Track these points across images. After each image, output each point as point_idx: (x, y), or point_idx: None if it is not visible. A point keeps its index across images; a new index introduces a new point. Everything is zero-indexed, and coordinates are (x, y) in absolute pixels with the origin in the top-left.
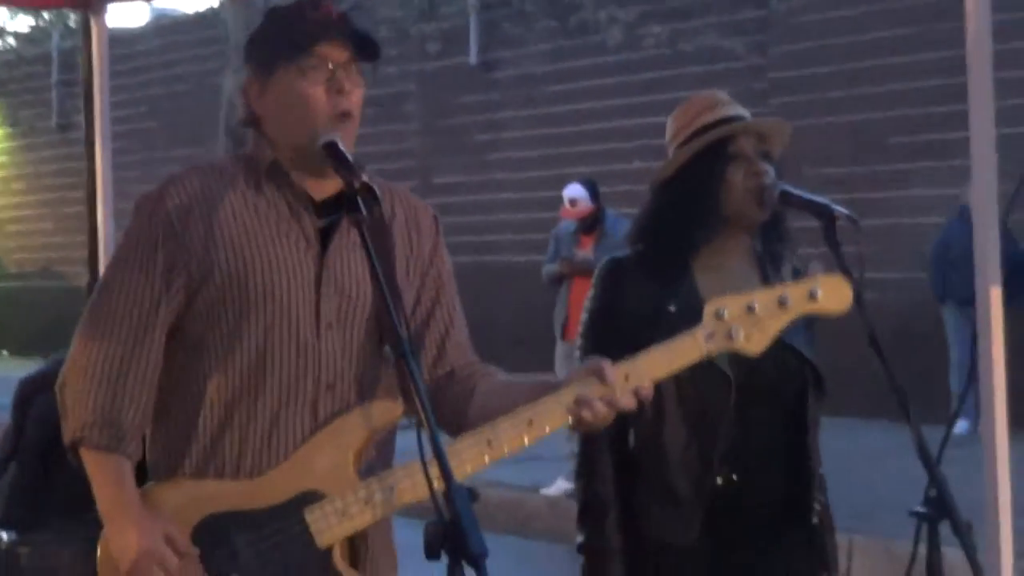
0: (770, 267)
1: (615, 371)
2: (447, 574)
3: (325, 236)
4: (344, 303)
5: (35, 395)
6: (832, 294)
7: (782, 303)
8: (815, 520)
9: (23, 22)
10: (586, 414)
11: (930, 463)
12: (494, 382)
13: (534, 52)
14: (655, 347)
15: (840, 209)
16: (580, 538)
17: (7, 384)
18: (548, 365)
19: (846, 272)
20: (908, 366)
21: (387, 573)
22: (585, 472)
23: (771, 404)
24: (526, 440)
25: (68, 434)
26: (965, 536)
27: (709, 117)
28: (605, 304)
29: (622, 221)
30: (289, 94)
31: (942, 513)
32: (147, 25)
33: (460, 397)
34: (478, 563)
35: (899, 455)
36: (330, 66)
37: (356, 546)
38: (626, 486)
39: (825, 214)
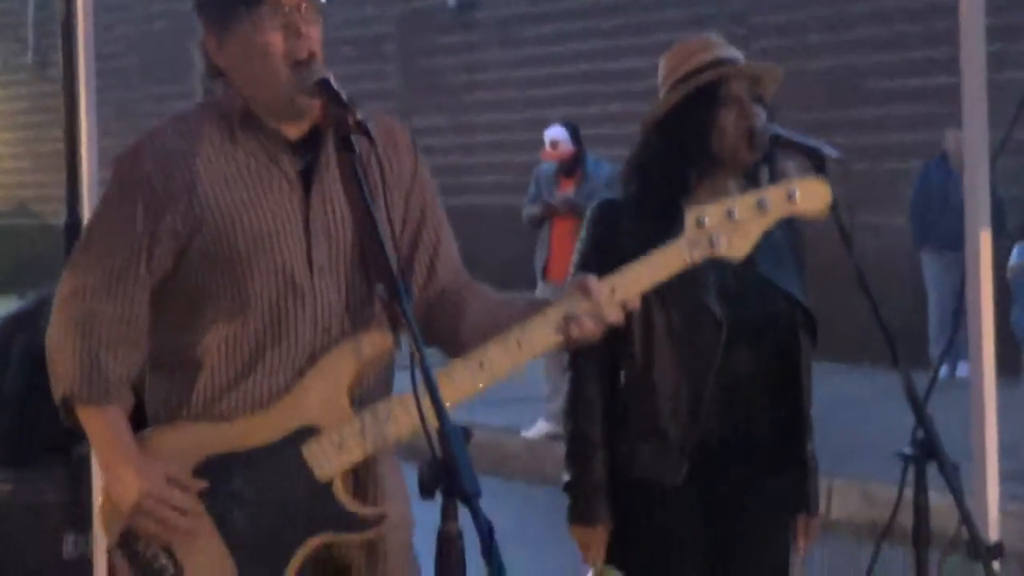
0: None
1: (601, 285)
2: (441, 513)
3: (305, 178)
4: (332, 245)
5: (15, 334)
6: (810, 195)
7: (761, 206)
8: (808, 462)
9: None
10: (574, 330)
11: (917, 404)
12: (486, 301)
13: None
14: (639, 260)
15: (830, 150)
16: (566, 476)
17: None
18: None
19: (837, 216)
20: (887, 312)
21: (399, 506)
22: (574, 411)
23: (762, 346)
24: (518, 361)
25: (57, 394)
26: (953, 478)
27: (702, 59)
28: (597, 244)
29: (603, 163)
30: (248, 46)
31: (929, 455)
32: None
33: (452, 316)
34: (472, 502)
35: (878, 401)
36: (285, 10)
37: (362, 479)
38: (615, 426)
39: (815, 156)
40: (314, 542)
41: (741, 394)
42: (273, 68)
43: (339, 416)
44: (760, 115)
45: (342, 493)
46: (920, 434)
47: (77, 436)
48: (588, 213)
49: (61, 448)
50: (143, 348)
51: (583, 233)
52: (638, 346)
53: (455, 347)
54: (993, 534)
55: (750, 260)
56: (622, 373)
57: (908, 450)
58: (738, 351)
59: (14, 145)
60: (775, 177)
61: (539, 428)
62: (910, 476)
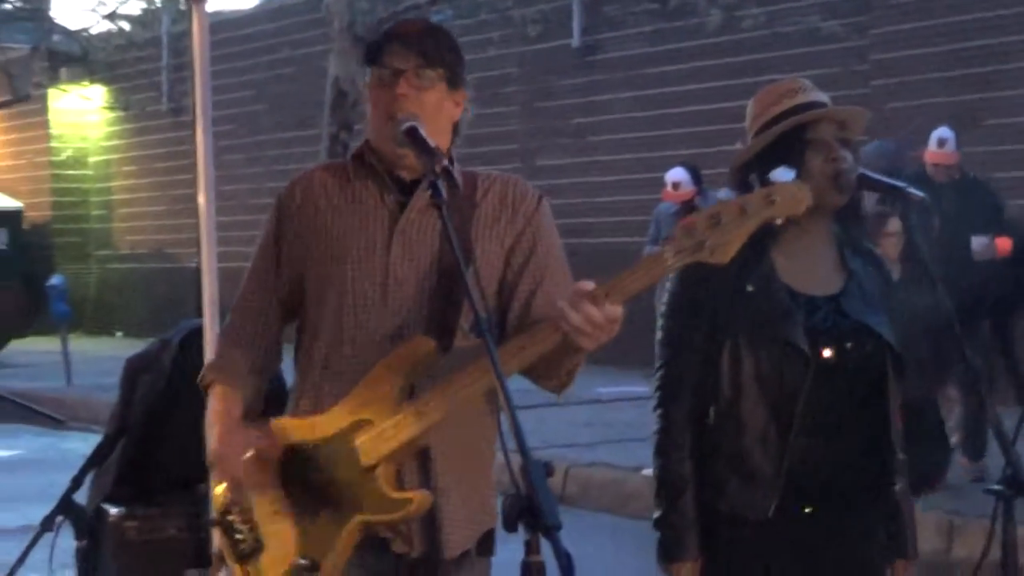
0: (847, 248)
1: (594, 287)
2: (524, 546)
3: (402, 207)
4: (411, 264)
5: (141, 374)
6: (788, 199)
7: (743, 210)
8: (898, 499)
9: (134, 5)
10: (572, 316)
11: (1005, 441)
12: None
13: (635, 34)
14: (631, 268)
15: (915, 192)
16: (656, 513)
17: (120, 364)
18: (649, 346)
19: (917, 255)
20: None
21: (474, 500)
22: (664, 449)
23: (849, 383)
24: (516, 365)
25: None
26: None
27: (789, 103)
28: (686, 287)
29: None
30: (370, 96)
31: (1018, 491)
32: (255, 8)
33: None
34: (552, 534)
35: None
36: (392, 74)
37: (404, 468)
38: (703, 463)
39: (901, 196)
40: (355, 522)
41: (829, 433)
42: (378, 120)
43: (389, 410)
44: (847, 158)
45: (384, 480)
46: (1008, 471)
47: (198, 473)
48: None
49: (183, 484)
50: (276, 346)
51: (675, 274)
52: (726, 384)
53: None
54: None
55: (837, 300)
56: (711, 410)
57: (997, 486)
58: (826, 390)
59: (150, 190)
60: (860, 220)
61: None
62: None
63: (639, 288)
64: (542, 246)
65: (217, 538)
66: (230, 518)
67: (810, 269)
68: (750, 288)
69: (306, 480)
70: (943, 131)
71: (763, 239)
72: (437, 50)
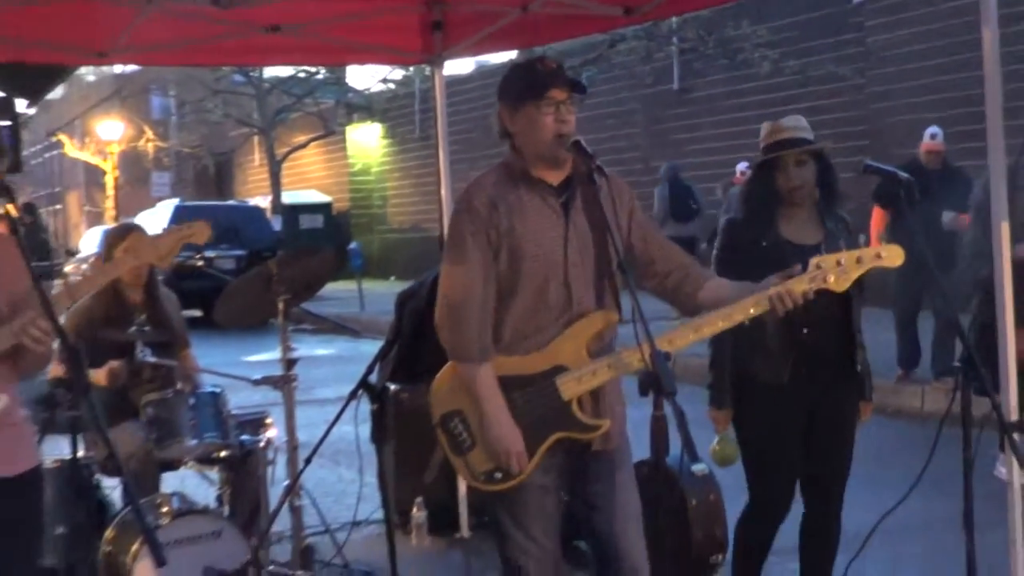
0: (827, 216)
1: (790, 283)
2: (652, 404)
3: (564, 207)
4: (581, 249)
5: (408, 300)
6: (891, 255)
7: (859, 261)
8: (859, 368)
9: (398, 73)
10: (777, 305)
11: (964, 336)
12: (718, 283)
13: (714, 80)
14: (795, 279)
15: (904, 175)
16: (708, 380)
17: (394, 297)
18: None
19: (909, 224)
20: None
21: (619, 411)
22: (714, 341)
23: (829, 295)
24: (723, 326)
25: (456, 356)
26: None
27: (773, 138)
28: (726, 244)
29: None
30: (532, 121)
31: (970, 367)
32: (472, 72)
33: (693, 289)
34: (670, 397)
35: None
36: (555, 103)
37: (596, 398)
38: (739, 348)
39: (895, 178)
40: (555, 436)
41: (819, 325)
42: (545, 136)
43: (580, 362)
44: (801, 175)
45: (578, 409)
46: (964, 354)
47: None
48: (721, 223)
49: (435, 370)
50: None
51: (720, 235)
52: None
53: (692, 311)
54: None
55: (819, 247)
56: None
57: (957, 363)
58: (815, 300)
59: (408, 187)
60: (836, 196)
61: None
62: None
63: (802, 290)
64: (643, 218)
65: (440, 437)
66: (451, 424)
67: (801, 228)
68: (764, 243)
69: (510, 402)
70: (933, 128)
71: (771, 212)
72: (579, 84)
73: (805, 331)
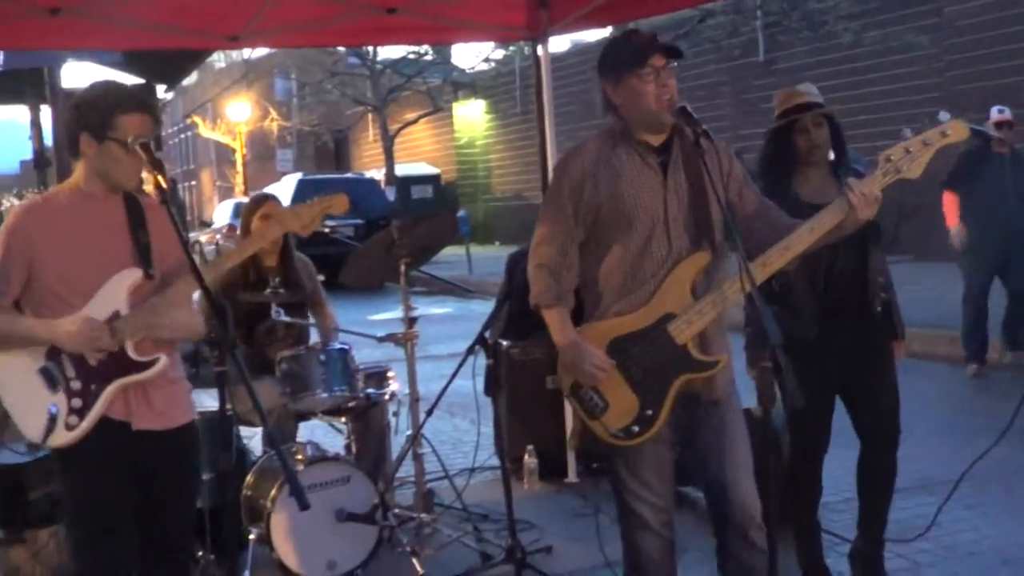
0: (840, 170)
1: (859, 184)
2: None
3: (662, 167)
4: (680, 205)
5: (519, 261)
6: (956, 131)
7: (926, 143)
8: (877, 309)
9: (499, 53)
10: (851, 214)
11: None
12: (789, 220)
13: (799, 51)
14: (865, 179)
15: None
16: (744, 342)
17: (499, 262)
18: None
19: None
20: None
21: (724, 351)
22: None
23: (847, 247)
24: (813, 239)
25: (532, 300)
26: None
27: (790, 102)
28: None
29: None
30: (634, 91)
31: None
32: (568, 50)
33: (771, 228)
34: (774, 349)
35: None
36: (657, 71)
37: (706, 339)
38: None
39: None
40: (680, 380)
41: (842, 277)
42: (648, 104)
43: (686, 305)
44: (821, 136)
45: (694, 349)
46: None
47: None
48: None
49: (543, 327)
50: (576, 272)
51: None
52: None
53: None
54: None
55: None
56: (773, 282)
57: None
58: (839, 258)
59: (511, 158)
60: (845, 154)
61: None
62: None
63: (876, 188)
64: (736, 173)
65: (571, 405)
66: (581, 391)
67: (818, 189)
68: (783, 207)
69: (630, 358)
70: (998, 107)
71: (789, 175)
72: (676, 50)
73: (825, 288)
